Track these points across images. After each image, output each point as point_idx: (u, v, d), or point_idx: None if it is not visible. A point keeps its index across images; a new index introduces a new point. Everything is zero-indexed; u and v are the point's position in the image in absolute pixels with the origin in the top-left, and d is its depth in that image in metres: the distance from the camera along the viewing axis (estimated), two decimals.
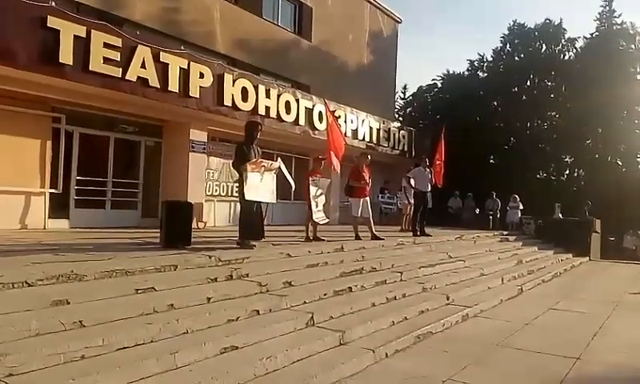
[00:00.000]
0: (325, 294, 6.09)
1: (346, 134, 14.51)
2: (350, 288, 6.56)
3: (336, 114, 14.23)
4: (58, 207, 10.27)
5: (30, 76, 8.62)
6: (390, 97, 25.08)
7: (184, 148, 12.00)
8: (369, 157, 10.69)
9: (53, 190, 10.09)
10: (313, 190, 9.15)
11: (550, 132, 25.85)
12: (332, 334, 4.99)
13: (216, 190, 13.29)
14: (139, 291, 4.83)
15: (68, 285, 4.62)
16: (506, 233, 15.80)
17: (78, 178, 10.65)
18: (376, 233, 10.07)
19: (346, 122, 15.74)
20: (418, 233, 11.88)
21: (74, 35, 8.92)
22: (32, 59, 8.46)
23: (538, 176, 26.32)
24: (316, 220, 9.17)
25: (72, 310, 4.09)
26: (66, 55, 8.81)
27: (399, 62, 24.60)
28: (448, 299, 7.12)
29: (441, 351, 5.26)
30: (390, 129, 18.82)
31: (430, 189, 12.29)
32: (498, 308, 7.52)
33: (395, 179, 16.79)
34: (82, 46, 9.03)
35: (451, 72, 29.82)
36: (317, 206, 9.20)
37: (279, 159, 7.90)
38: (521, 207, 18.96)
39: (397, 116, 28.53)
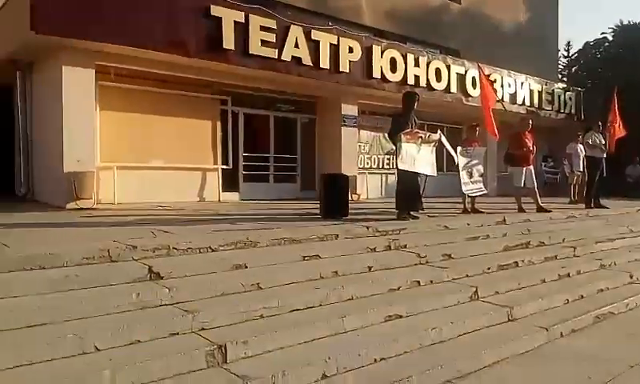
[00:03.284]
0: (488, 268, 5.80)
1: (503, 98, 13.63)
2: (516, 263, 6.16)
3: (491, 78, 13.41)
4: (229, 181, 11.29)
5: (199, 63, 9.49)
6: (552, 55, 22.78)
7: (336, 123, 12.33)
8: (530, 121, 9.87)
9: (224, 166, 11.13)
10: (461, 160, 8.70)
11: None
12: (499, 309, 4.75)
13: (367, 163, 13.47)
14: (305, 258, 5.07)
15: (244, 251, 5.03)
16: None
17: (244, 154, 11.60)
18: (542, 204, 9.31)
19: (502, 86, 14.76)
20: (592, 205, 10.74)
21: (234, 21, 9.56)
22: (200, 47, 9.28)
23: None
24: (465, 192, 8.76)
25: (250, 273, 4.45)
26: (229, 41, 9.51)
27: (561, 16, 22.17)
28: (631, 277, 6.32)
29: (625, 333, 4.72)
30: (553, 91, 17.19)
31: (605, 155, 10.99)
32: None
33: (560, 146, 15.31)
34: (242, 31, 9.66)
35: (626, 22, 26.03)
36: (469, 176, 8.75)
37: (439, 131, 7.69)
38: None
39: (560, 76, 25.88)
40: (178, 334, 3.41)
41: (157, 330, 3.35)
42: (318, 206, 7.73)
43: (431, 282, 5.14)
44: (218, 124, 11.06)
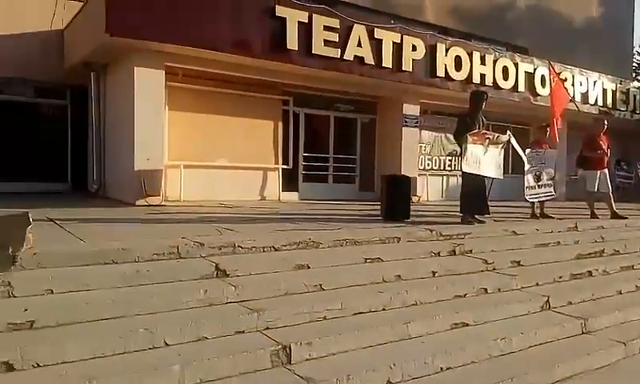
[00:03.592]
0: (560, 277, 5.55)
1: (574, 97, 12.95)
2: (590, 272, 5.87)
3: (561, 77, 12.79)
4: (289, 181, 11.38)
5: (263, 63, 9.59)
6: (627, 53, 21.51)
7: (397, 123, 12.14)
8: (605, 122, 9.30)
9: (284, 166, 11.22)
10: (528, 163, 8.31)
11: None
12: (572, 320, 4.54)
13: (428, 164, 13.21)
14: (367, 260, 5.01)
15: (306, 251, 5.03)
16: None
17: (304, 154, 11.65)
18: (617, 210, 8.77)
19: (573, 84, 14.03)
20: None
21: (298, 21, 9.60)
22: (265, 48, 9.38)
23: None
24: (527, 197, 8.36)
25: (312, 274, 4.45)
26: (292, 41, 9.54)
27: (637, 11, 20.85)
28: None
29: None
30: (628, 90, 16.15)
31: None
32: None
33: (635, 148, 14.44)
34: (305, 31, 9.68)
35: None
36: (537, 180, 8.35)
37: (509, 132, 7.40)
38: None
39: (634, 74, 24.34)
40: (243, 332, 3.46)
41: (223, 328, 3.41)
42: (378, 207, 7.65)
43: (499, 289, 4.97)
44: (280, 124, 11.17)
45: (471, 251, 5.81)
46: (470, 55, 12.02)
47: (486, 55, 12.38)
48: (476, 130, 6.96)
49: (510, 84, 12.73)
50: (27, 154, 10.90)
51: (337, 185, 12.21)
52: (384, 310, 4.13)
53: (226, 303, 3.76)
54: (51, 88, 11.43)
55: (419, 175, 12.46)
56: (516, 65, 12.93)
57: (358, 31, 10.30)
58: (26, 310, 3.16)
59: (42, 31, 10.93)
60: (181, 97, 9.70)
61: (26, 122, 11.21)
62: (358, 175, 12.58)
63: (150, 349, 3.12)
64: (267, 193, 10.92)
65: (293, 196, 11.29)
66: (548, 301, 4.83)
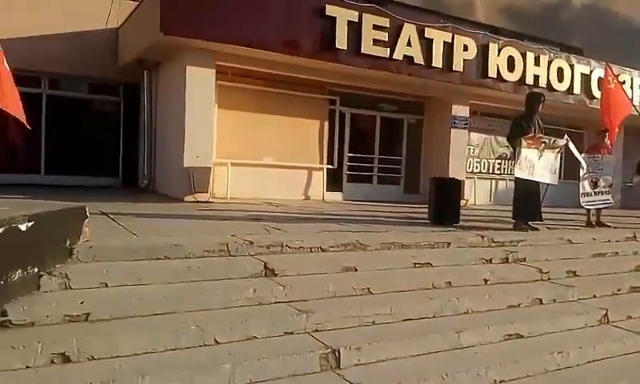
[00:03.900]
0: (619, 290, 5.29)
1: (632, 101, 12.32)
2: None
3: (619, 79, 12.20)
4: (334, 181, 11.37)
5: (312, 63, 9.59)
6: None
7: (445, 124, 11.93)
8: None
9: (329, 166, 11.22)
10: (584, 169, 7.98)
11: None
12: (633, 336, 4.32)
13: (476, 167, 12.91)
14: (417, 265, 4.90)
15: (354, 253, 4.96)
16: None
17: (349, 154, 11.60)
18: None
19: (632, 87, 13.36)
20: None
21: (348, 21, 9.54)
22: (314, 47, 9.39)
23: None
24: (583, 204, 8.04)
25: (360, 277, 4.38)
26: (342, 41, 9.50)
27: None
28: None
29: None
30: None
31: None
32: None
33: None
34: (354, 31, 9.61)
35: None
36: (593, 186, 7.99)
37: (566, 135, 7.11)
38: None
39: None
40: (292, 333, 3.44)
41: (272, 328, 3.40)
42: (424, 210, 7.53)
43: (554, 300, 4.78)
44: (326, 124, 11.16)
45: (525, 259, 5.60)
46: (524, 55, 11.67)
47: (541, 56, 11.98)
48: (531, 134, 6.71)
49: (564, 86, 12.27)
50: (80, 148, 11.29)
51: (381, 186, 12.08)
52: (434, 317, 4.02)
53: (275, 303, 3.74)
54: (105, 85, 11.80)
55: (467, 178, 12.16)
56: (571, 66, 12.45)
57: (408, 30, 10.15)
58: (82, 302, 3.23)
59: (97, 29, 11.28)
60: (229, 95, 9.82)
61: (80, 117, 11.62)
62: (403, 177, 12.42)
63: (200, 346, 3.14)
64: (311, 192, 10.93)
65: (337, 196, 11.26)
66: (606, 314, 4.61)
